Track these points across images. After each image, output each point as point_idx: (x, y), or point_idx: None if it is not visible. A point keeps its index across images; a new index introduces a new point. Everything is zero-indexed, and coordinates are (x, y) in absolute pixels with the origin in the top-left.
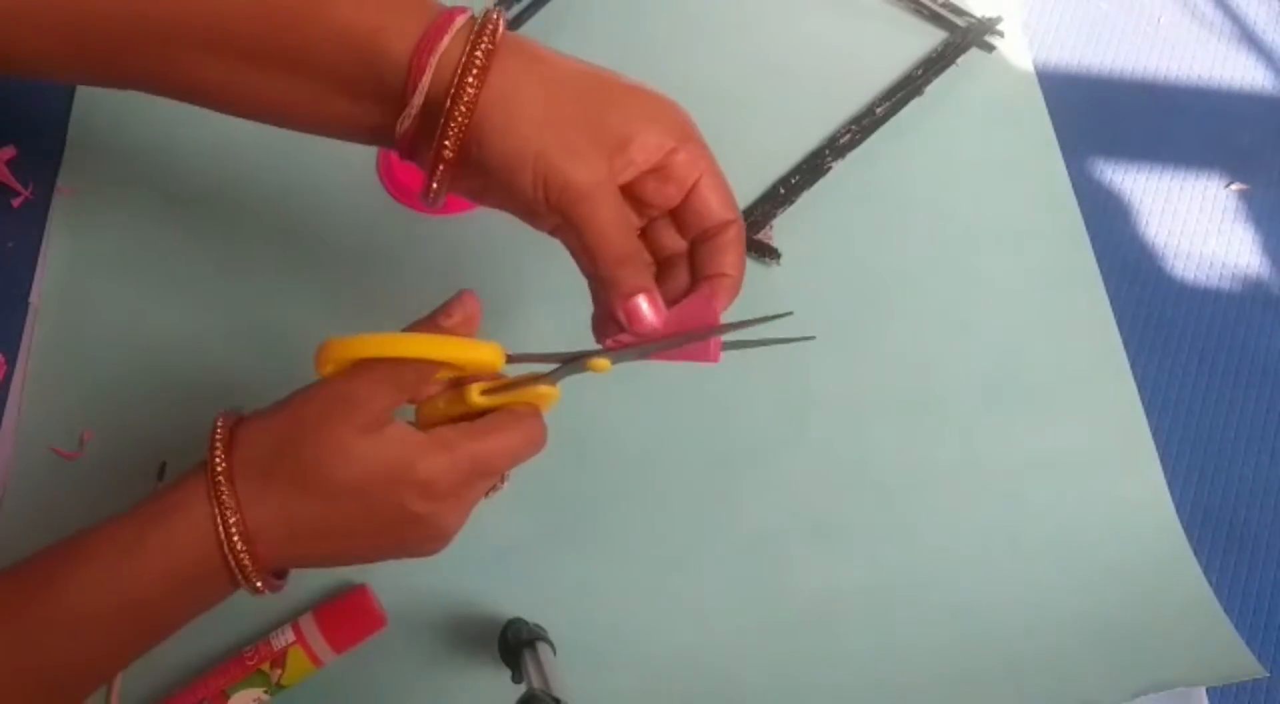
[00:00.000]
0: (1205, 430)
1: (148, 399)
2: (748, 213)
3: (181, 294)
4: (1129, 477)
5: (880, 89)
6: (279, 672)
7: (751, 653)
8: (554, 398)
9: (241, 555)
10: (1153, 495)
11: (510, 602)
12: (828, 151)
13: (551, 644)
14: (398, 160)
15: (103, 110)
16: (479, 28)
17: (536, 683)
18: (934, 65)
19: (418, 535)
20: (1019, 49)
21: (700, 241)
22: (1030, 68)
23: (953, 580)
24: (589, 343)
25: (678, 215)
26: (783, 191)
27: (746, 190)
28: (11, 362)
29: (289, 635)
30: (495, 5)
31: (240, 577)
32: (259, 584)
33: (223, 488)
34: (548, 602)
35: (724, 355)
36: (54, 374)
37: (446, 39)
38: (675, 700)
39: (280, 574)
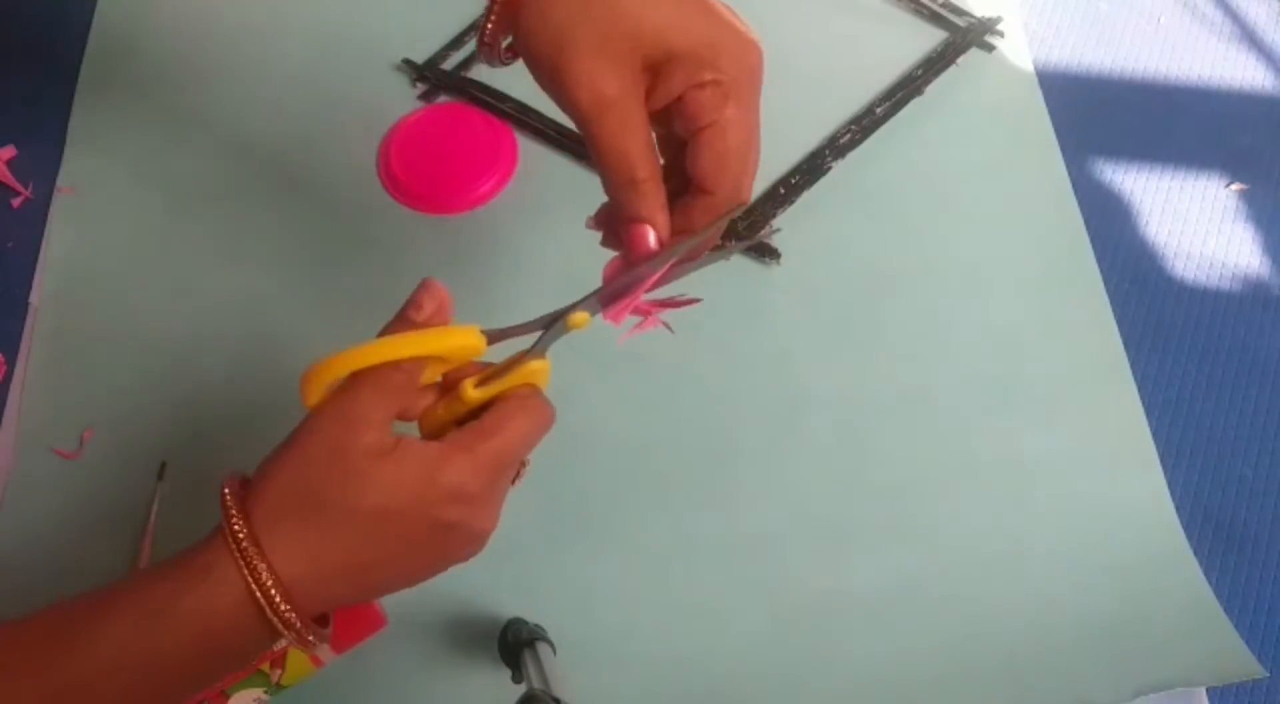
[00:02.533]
0: (1205, 430)
1: (148, 399)
2: (748, 213)
3: (181, 294)
4: (1129, 477)
5: (880, 89)
6: (279, 672)
7: (752, 652)
8: (546, 371)
9: (287, 614)
10: (1153, 495)
11: (510, 602)
12: (828, 151)
13: (551, 644)
14: (398, 160)
15: (103, 111)
16: None
17: (536, 683)
18: (934, 65)
19: (456, 543)
20: (1019, 49)
21: (690, 195)
22: (1030, 68)
23: (952, 580)
24: (593, 346)
25: (679, 152)
26: (783, 191)
27: None
28: (11, 362)
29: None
30: None
31: (286, 633)
32: (310, 638)
33: (250, 553)
34: (548, 602)
35: (725, 354)
36: (54, 374)
37: None
38: (675, 700)
39: (323, 621)
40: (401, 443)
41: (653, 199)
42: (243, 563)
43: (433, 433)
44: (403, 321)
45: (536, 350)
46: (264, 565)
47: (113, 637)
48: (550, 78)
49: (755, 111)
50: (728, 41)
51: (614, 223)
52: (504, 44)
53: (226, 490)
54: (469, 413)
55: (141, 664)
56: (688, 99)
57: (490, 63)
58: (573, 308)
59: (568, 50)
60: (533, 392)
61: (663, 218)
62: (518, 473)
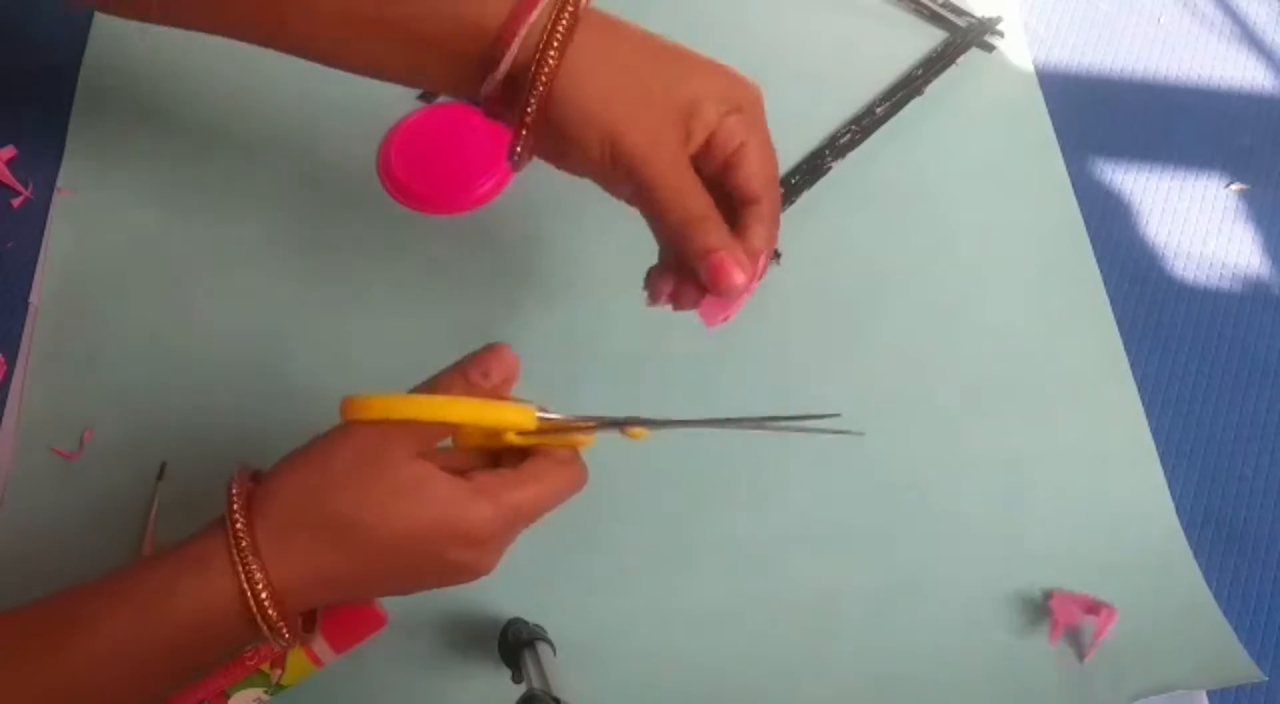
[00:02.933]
0: (1205, 430)
1: (148, 399)
2: None
3: (181, 294)
4: (1129, 477)
5: (880, 89)
6: (279, 671)
7: (752, 652)
8: (590, 444)
9: (275, 621)
10: (1153, 495)
11: (510, 602)
12: (828, 151)
13: (551, 644)
14: (398, 160)
15: (103, 110)
16: (562, 2)
17: (536, 683)
18: (934, 65)
19: (455, 577)
20: (1019, 49)
21: (738, 211)
22: (1030, 68)
23: (952, 581)
24: (593, 346)
25: (720, 182)
26: (783, 191)
27: None
28: (11, 362)
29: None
30: None
31: (272, 636)
32: (289, 637)
33: (248, 557)
34: (548, 602)
35: (724, 354)
36: (54, 374)
37: (535, 13)
38: (675, 700)
39: (308, 620)
40: (427, 479)
41: (722, 229)
42: (240, 566)
43: (464, 452)
44: (462, 380)
45: (587, 431)
46: (260, 573)
47: (108, 627)
48: (599, 137)
49: (768, 132)
50: (737, 82)
51: (682, 269)
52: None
53: (234, 489)
54: (502, 449)
55: (136, 654)
56: (719, 130)
57: (521, 162)
58: (636, 421)
59: (617, 109)
60: (572, 456)
61: (734, 245)
62: None
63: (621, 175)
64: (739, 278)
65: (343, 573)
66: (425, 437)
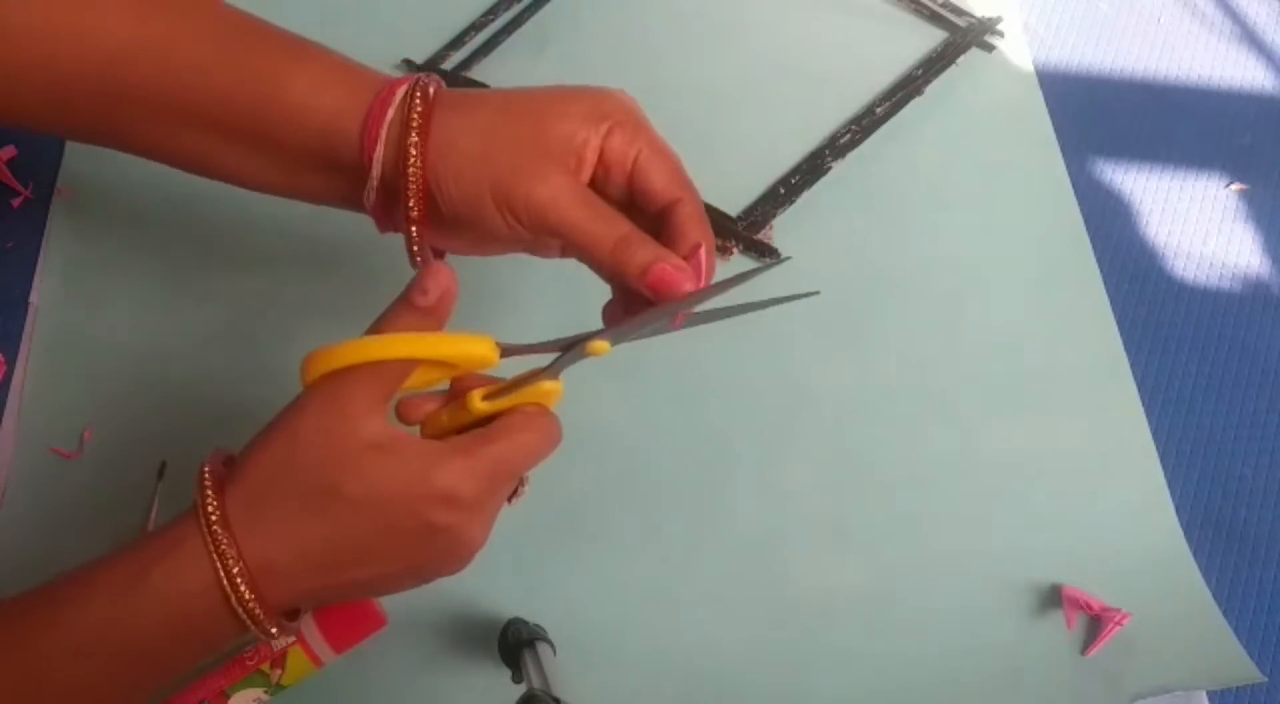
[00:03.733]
0: (1205, 430)
1: (148, 399)
2: (748, 213)
3: (182, 294)
4: (1129, 477)
5: (880, 89)
6: (279, 672)
7: (752, 652)
8: (558, 393)
9: (250, 604)
10: (1153, 495)
11: (510, 602)
12: (828, 151)
13: (551, 644)
14: None
15: None
16: (410, 93)
17: (536, 683)
18: (934, 65)
19: (441, 551)
20: (1019, 49)
21: (661, 224)
22: (1030, 68)
23: (951, 581)
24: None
25: (634, 199)
26: (783, 191)
27: (746, 190)
28: (11, 362)
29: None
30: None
31: (251, 624)
32: (273, 630)
33: (219, 535)
34: (548, 602)
35: (724, 354)
36: (54, 374)
37: (390, 111)
38: (675, 700)
39: (292, 615)
40: (398, 436)
41: (650, 241)
42: (211, 544)
43: (434, 439)
44: (406, 306)
45: (551, 371)
46: (233, 550)
47: (81, 615)
48: (492, 195)
49: (657, 136)
50: (603, 98)
51: (630, 298)
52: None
53: (206, 468)
54: (474, 424)
55: (110, 643)
56: (606, 149)
57: (425, 261)
58: (595, 335)
59: (498, 164)
60: (542, 410)
61: (667, 254)
62: (515, 491)
63: (532, 230)
64: (685, 283)
65: (319, 544)
66: (386, 383)
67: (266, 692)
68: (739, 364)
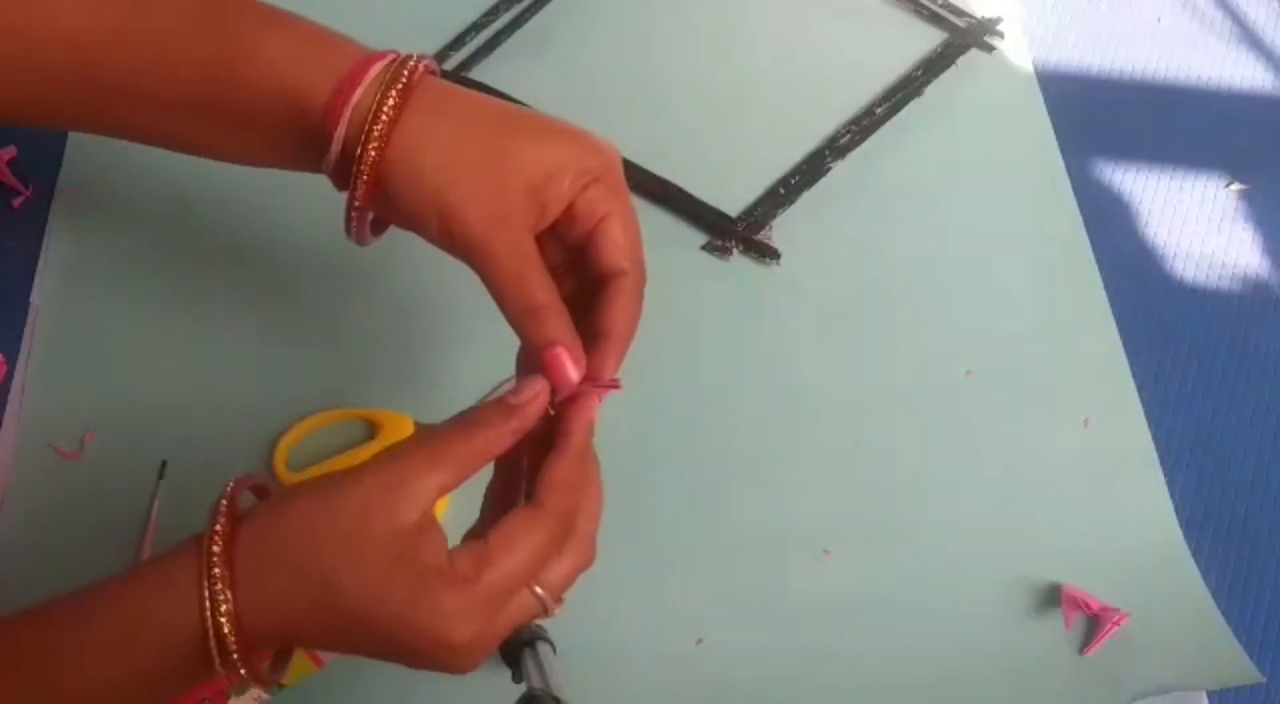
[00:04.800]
0: (1205, 430)
1: (148, 399)
2: (747, 213)
3: (182, 293)
4: (1128, 477)
5: (880, 89)
6: None
7: (752, 652)
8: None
9: (231, 646)
10: (1152, 495)
11: None
12: (828, 152)
13: (552, 644)
14: None
15: None
16: (392, 76)
17: (536, 683)
18: (934, 66)
19: (429, 665)
20: (1019, 49)
21: (597, 288)
22: (1030, 68)
23: (950, 580)
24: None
25: (582, 254)
26: (783, 191)
27: (746, 190)
28: (11, 362)
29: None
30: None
31: (222, 668)
32: (242, 672)
33: (216, 576)
34: None
35: (724, 355)
36: (54, 374)
37: (359, 91)
38: (675, 700)
39: (280, 662)
40: (421, 550)
41: (560, 321)
42: (205, 582)
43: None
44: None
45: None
46: (224, 593)
47: (78, 652)
48: (437, 218)
49: (629, 200)
50: (592, 149)
51: (529, 360)
52: (369, 218)
53: (224, 501)
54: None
55: (117, 673)
56: (579, 202)
57: (360, 239)
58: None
59: (452, 188)
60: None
61: (572, 339)
62: (545, 608)
63: (461, 258)
64: (573, 375)
65: (308, 633)
66: (448, 473)
67: (267, 691)
68: (739, 364)
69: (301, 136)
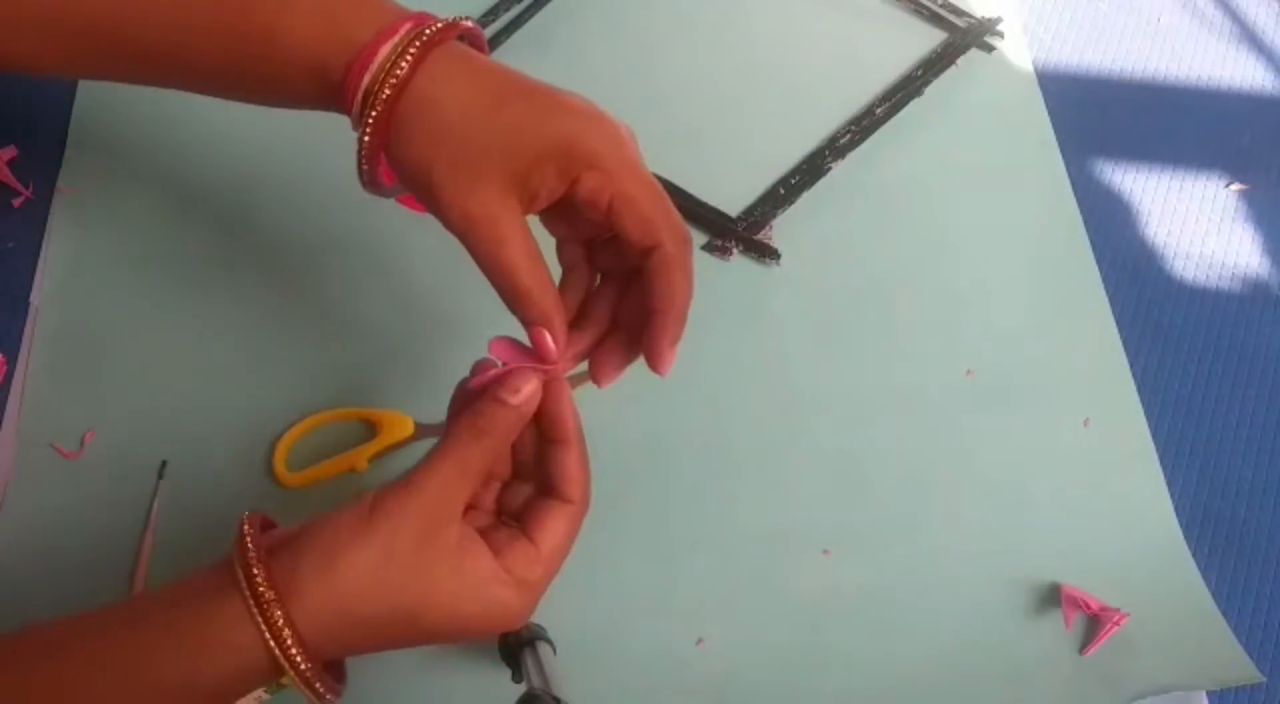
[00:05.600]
0: (1205, 430)
1: (148, 399)
2: (748, 213)
3: (182, 293)
4: (1128, 476)
5: (880, 89)
6: None
7: (751, 652)
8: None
9: (308, 674)
10: (1152, 495)
11: None
12: (828, 152)
13: (551, 644)
14: None
15: (103, 110)
16: (414, 36)
17: (536, 683)
18: (934, 66)
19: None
20: (1019, 49)
21: (640, 268)
22: (1030, 68)
23: (950, 580)
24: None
25: (614, 234)
26: (783, 192)
27: (746, 190)
28: (12, 362)
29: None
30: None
31: (308, 693)
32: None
33: (276, 622)
34: (548, 602)
35: (724, 354)
36: (54, 374)
37: (385, 49)
38: (675, 700)
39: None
40: (476, 566)
41: (542, 304)
42: (266, 630)
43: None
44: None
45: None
46: (289, 633)
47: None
48: (423, 199)
49: (642, 172)
50: (589, 128)
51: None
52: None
53: (249, 538)
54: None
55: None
56: (578, 192)
57: (377, 191)
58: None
59: (433, 172)
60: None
61: (558, 320)
62: None
63: (453, 232)
64: (550, 357)
65: (383, 643)
66: (469, 485)
67: (267, 690)
68: (739, 364)
69: (324, 97)
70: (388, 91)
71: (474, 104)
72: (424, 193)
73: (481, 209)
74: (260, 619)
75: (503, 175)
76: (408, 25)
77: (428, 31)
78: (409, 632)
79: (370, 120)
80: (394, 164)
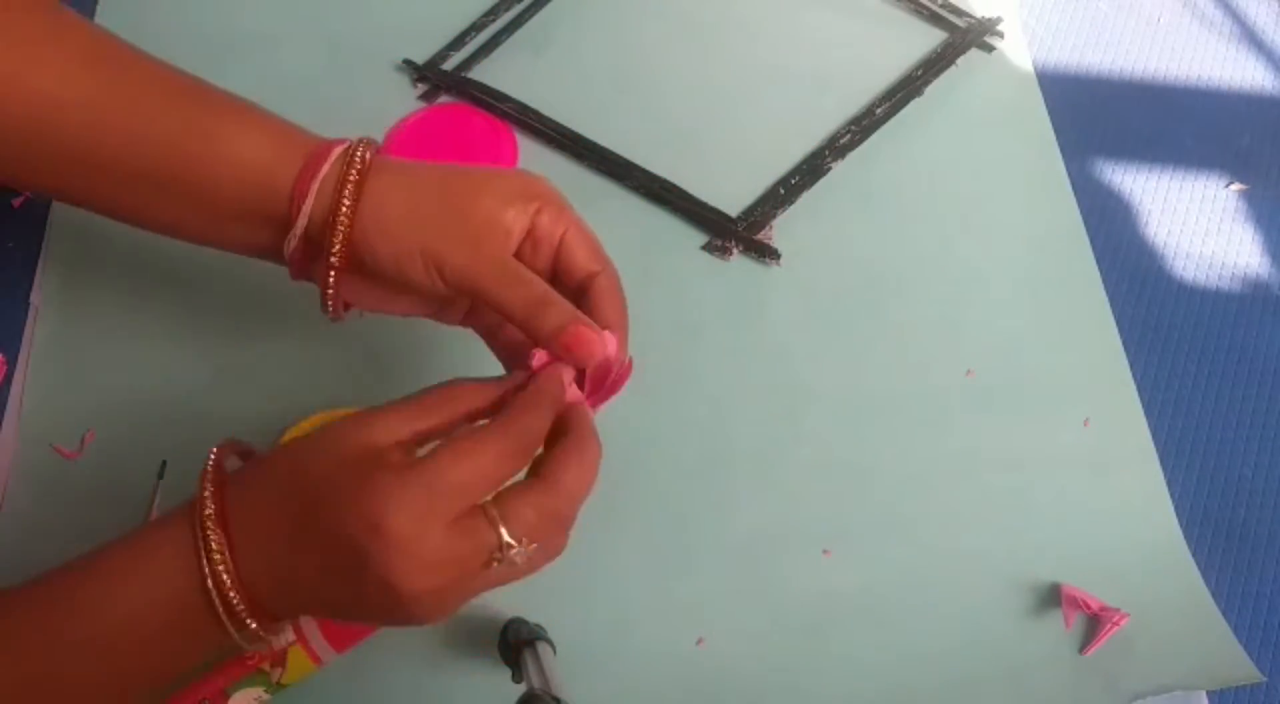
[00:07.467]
0: (1205, 430)
1: (148, 398)
2: (748, 213)
3: (183, 293)
4: (1128, 476)
5: (880, 89)
6: (279, 670)
7: (751, 653)
8: None
9: (235, 604)
10: (1152, 495)
11: (510, 601)
12: (828, 152)
13: (551, 644)
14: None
15: None
16: (350, 155)
17: (536, 683)
18: (934, 65)
19: (372, 593)
20: (1019, 49)
21: (579, 299)
22: (1030, 68)
23: (950, 580)
24: None
25: (557, 274)
26: (783, 192)
27: (746, 190)
28: (12, 362)
29: (289, 634)
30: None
31: (231, 626)
32: (252, 625)
33: (211, 536)
34: (548, 602)
35: (724, 354)
36: (54, 374)
37: (326, 166)
38: (675, 700)
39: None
40: (380, 457)
41: (567, 305)
42: (201, 544)
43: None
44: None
45: None
46: (222, 552)
47: (76, 608)
48: (421, 256)
49: (579, 218)
50: (531, 181)
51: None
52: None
53: (211, 462)
54: None
55: (107, 636)
56: (536, 226)
57: (335, 311)
58: None
59: (423, 229)
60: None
61: (583, 315)
62: (501, 551)
63: (454, 289)
64: (598, 346)
65: (300, 574)
66: (418, 420)
67: (267, 690)
68: (738, 364)
69: (264, 213)
70: (347, 204)
71: (433, 184)
72: (415, 276)
73: (475, 257)
74: (198, 539)
75: (483, 225)
76: (338, 149)
77: (360, 152)
78: (307, 525)
79: (339, 232)
80: (378, 259)
